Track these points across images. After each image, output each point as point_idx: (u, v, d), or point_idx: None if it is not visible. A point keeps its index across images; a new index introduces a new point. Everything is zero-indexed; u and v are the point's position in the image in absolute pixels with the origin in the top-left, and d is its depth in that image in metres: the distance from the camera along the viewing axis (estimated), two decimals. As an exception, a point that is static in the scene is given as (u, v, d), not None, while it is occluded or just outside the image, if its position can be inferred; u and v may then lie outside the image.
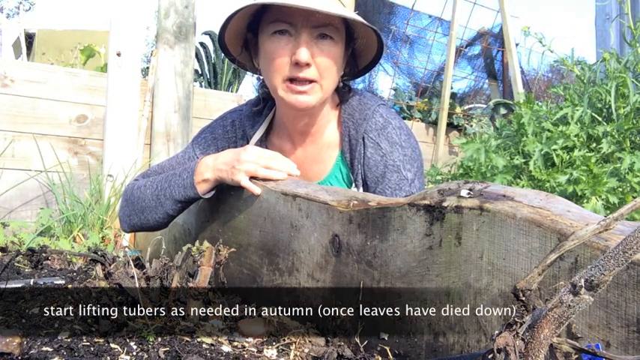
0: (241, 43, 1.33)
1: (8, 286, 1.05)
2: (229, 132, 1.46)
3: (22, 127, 2.77)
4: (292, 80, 1.21)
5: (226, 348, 0.86)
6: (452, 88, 4.73)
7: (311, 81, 1.21)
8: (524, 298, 0.57)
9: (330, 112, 1.37)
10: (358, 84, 5.40)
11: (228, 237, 1.38)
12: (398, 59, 5.17)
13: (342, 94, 1.36)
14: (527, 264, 0.70)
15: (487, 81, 5.64)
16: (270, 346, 0.93)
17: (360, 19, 1.18)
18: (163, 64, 3.07)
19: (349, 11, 1.20)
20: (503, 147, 2.18)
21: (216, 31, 5.63)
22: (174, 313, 0.97)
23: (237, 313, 1.10)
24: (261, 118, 1.43)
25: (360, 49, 1.31)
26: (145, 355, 0.77)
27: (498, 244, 0.73)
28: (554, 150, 1.90)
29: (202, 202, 1.57)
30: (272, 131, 1.44)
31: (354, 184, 1.33)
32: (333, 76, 1.24)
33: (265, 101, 1.43)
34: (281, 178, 1.18)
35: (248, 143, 1.43)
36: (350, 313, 0.98)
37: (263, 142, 1.43)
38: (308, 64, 1.19)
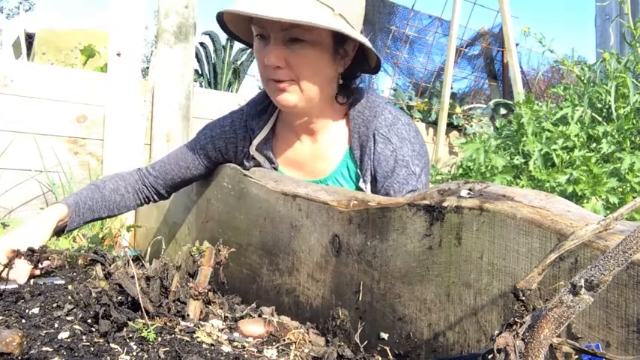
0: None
1: (8, 286, 1.05)
2: (227, 132, 1.47)
3: (22, 127, 2.77)
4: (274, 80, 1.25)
5: (226, 348, 0.86)
6: (452, 88, 4.73)
7: (288, 80, 1.24)
8: (524, 298, 0.57)
9: (334, 110, 1.37)
10: (358, 84, 5.37)
11: (228, 237, 1.38)
12: (398, 59, 5.17)
13: (345, 92, 1.36)
14: (527, 264, 0.70)
15: (487, 81, 5.64)
16: (270, 346, 0.92)
17: (315, 20, 1.13)
18: (163, 64, 3.06)
19: (313, 13, 1.15)
20: (503, 147, 2.18)
21: (217, 31, 5.64)
22: (174, 313, 0.97)
23: (237, 313, 1.10)
24: (266, 116, 1.44)
25: (366, 44, 1.31)
26: (145, 355, 0.77)
27: (498, 244, 0.73)
28: (554, 150, 1.90)
29: (202, 202, 1.57)
30: (281, 125, 1.44)
31: (361, 180, 1.33)
32: (311, 77, 1.24)
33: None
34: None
35: (251, 143, 1.44)
36: (350, 313, 0.98)
37: (269, 140, 1.43)
38: (278, 67, 1.21)
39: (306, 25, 1.17)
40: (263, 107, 1.45)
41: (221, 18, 1.28)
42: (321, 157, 1.39)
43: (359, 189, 1.34)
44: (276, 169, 1.42)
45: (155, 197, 1.57)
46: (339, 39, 1.27)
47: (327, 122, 1.37)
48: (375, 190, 1.32)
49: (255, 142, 1.43)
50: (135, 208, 1.57)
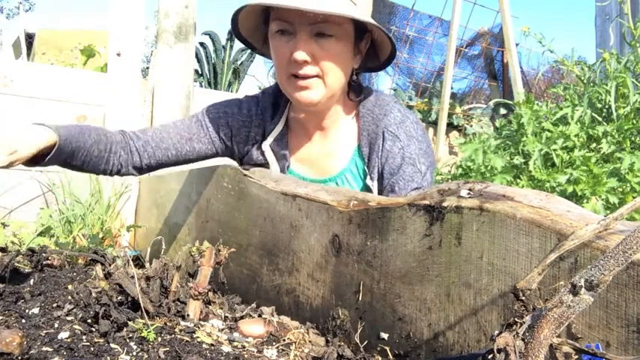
0: (262, 38, 1.35)
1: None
2: (244, 115, 1.43)
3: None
4: (296, 76, 1.23)
5: (226, 348, 0.86)
6: (452, 88, 4.73)
7: (314, 76, 1.22)
8: (524, 298, 0.57)
9: (344, 107, 1.37)
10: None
11: (228, 237, 1.38)
12: (398, 59, 5.17)
13: (355, 88, 1.36)
14: (527, 264, 0.70)
15: (487, 81, 5.64)
16: (270, 346, 0.92)
17: (350, 13, 1.16)
18: (163, 64, 3.06)
19: (344, 6, 1.18)
20: (503, 147, 2.18)
21: (216, 31, 5.64)
22: (174, 313, 0.97)
23: (237, 313, 1.10)
24: (279, 112, 1.42)
25: (379, 39, 1.30)
26: (145, 355, 0.77)
27: (498, 244, 0.73)
28: (554, 150, 1.90)
29: (202, 202, 1.57)
30: (292, 123, 1.43)
31: (369, 177, 1.33)
32: (337, 72, 1.24)
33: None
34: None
35: (264, 135, 1.41)
36: (350, 313, 0.98)
37: (285, 136, 1.42)
38: (306, 62, 1.20)
39: (339, 18, 1.18)
40: (276, 102, 1.43)
41: (236, 14, 1.25)
42: (330, 155, 1.39)
43: (366, 186, 1.34)
44: (287, 167, 1.41)
45: (129, 168, 1.38)
46: (359, 35, 1.27)
47: (338, 119, 1.37)
48: (381, 187, 1.32)
49: (270, 138, 1.41)
50: (98, 173, 1.38)
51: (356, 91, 1.37)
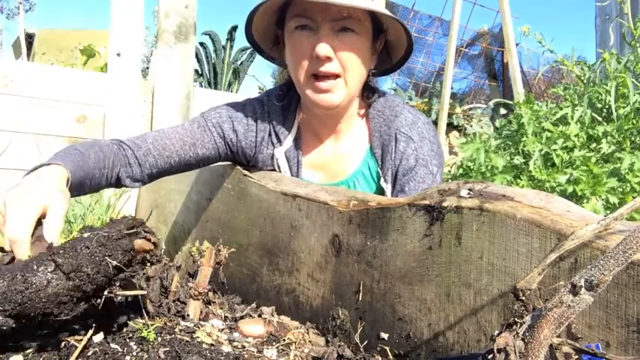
0: (272, 40, 1.33)
1: None
2: (249, 119, 1.39)
3: (23, 127, 2.77)
4: (317, 77, 1.20)
5: (226, 348, 0.86)
6: (452, 88, 4.73)
7: (335, 75, 1.20)
8: (524, 298, 0.57)
9: (358, 108, 1.36)
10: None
11: (228, 237, 1.38)
12: (398, 59, 5.16)
13: (369, 90, 1.35)
14: (527, 264, 0.70)
15: (487, 81, 5.64)
16: (270, 346, 0.92)
17: (377, 8, 1.16)
18: (163, 64, 3.07)
19: (368, 1, 1.17)
20: (503, 147, 2.18)
21: (216, 31, 5.64)
22: (174, 313, 0.97)
23: (237, 313, 1.10)
24: (290, 116, 1.39)
25: (393, 41, 1.30)
26: (145, 355, 0.77)
27: (498, 244, 0.73)
28: (554, 150, 1.89)
29: (202, 202, 1.57)
30: (303, 126, 1.40)
31: (382, 179, 1.33)
32: (358, 69, 1.23)
33: (289, 92, 1.39)
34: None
35: (272, 141, 1.38)
36: (350, 313, 0.98)
37: (299, 140, 1.38)
38: (329, 58, 1.18)
39: (360, 14, 1.17)
40: (284, 105, 1.39)
41: (253, 12, 1.22)
42: (342, 158, 1.37)
43: (380, 188, 1.33)
44: (300, 174, 1.38)
45: (126, 180, 1.28)
46: (376, 33, 1.27)
47: (351, 122, 1.35)
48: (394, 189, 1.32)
49: (286, 145, 1.37)
50: (98, 191, 1.26)
51: (370, 93, 1.36)
